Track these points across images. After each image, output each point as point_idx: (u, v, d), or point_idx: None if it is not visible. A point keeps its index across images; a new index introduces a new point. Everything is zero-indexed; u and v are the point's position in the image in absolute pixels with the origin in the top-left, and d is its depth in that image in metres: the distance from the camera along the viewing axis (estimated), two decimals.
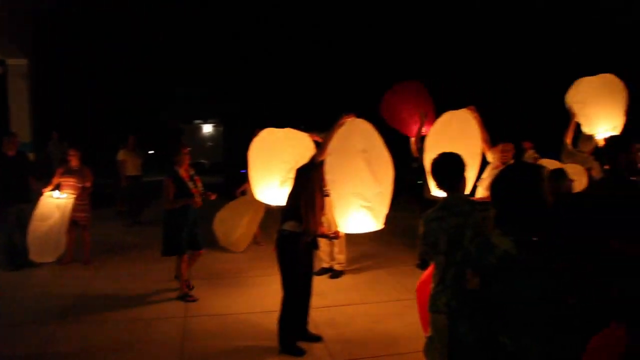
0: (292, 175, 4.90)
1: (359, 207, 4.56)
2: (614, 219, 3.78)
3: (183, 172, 6.26)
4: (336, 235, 5.09)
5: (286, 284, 4.86)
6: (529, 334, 1.96)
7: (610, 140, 4.12)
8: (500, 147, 6.16)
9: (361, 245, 8.51)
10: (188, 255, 6.46)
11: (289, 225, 4.78)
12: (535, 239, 2.20)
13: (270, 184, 5.43)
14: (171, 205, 6.18)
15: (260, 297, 6.40)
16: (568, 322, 2.02)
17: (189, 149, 6.41)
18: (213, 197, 6.53)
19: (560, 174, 4.66)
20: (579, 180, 4.94)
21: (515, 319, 1.98)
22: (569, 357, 2.08)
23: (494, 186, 2.27)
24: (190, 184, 6.28)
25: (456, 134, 5.37)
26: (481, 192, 5.80)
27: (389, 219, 4.93)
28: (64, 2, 15.89)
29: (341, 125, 4.71)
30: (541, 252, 2.10)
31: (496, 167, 6.10)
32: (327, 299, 6.42)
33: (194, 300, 6.33)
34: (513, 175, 2.28)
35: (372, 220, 4.62)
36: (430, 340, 3.55)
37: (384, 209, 4.69)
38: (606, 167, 5.11)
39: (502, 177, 2.29)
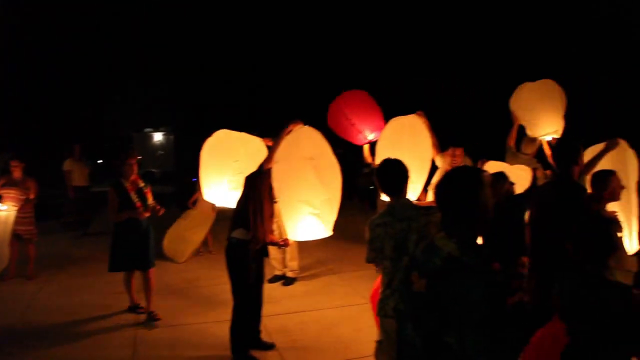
0: (242, 180, 4.89)
1: (307, 214, 4.58)
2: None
3: (128, 183, 5.94)
4: (285, 243, 5.08)
5: (236, 292, 4.84)
6: (473, 334, 2.01)
7: (560, 145, 4.25)
8: (450, 151, 6.29)
9: (314, 252, 8.55)
10: (139, 273, 6.16)
11: (237, 233, 4.77)
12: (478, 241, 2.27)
13: (220, 184, 5.38)
14: (115, 219, 5.93)
15: (213, 307, 6.36)
16: (510, 321, 2.08)
17: (136, 158, 6.23)
18: (161, 212, 6.18)
19: (500, 177, 4.80)
20: (522, 182, 5.09)
21: (460, 319, 2.03)
22: (512, 355, 2.14)
23: (437, 190, 2.32)
24: (134, 196, 5.93)
25: (406, 140, 5.45)
26: (431, 197, 5.90)
27: (342, 224, 4.97)
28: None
29: (288, 132, 4.73)
30: (483, 254, 2.16)
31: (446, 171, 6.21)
32: (280, 307, 6.43)
33: (144, 312, 6.17)
34: (454, 178, 2.33)
35: (321, 227, 4.64)
36: (379, 344, 3.60)
37: (332, 215, 4.72)
38: (548, 172, 5.27)
39: (444, 180, 2.33)
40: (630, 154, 4.87)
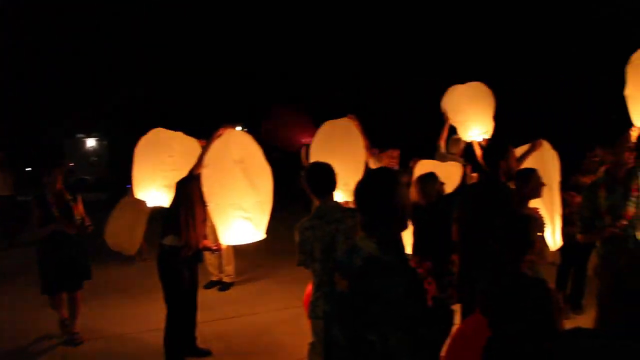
0: (176, 177, 4.83)
1: (238, 218, 4.55)
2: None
3: (51, 196, 5.44)
4: (218, 248, 5.04)
5: (170, 299, 4.77)
6: (395, 332, 2.05)
7: (490, 146, 4.39)
8: (387, 152, 6.41)
9: (251, 256, 8.49)
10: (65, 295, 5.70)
11: (169, 240, 4.70)
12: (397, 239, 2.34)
13: (154, 182, 5.29)
14: (38, 234, 5.45)
15: (147, 315, 6.21)
16: (434, 317, 2.14)
17: (65, 168, 5.93)
18: (90, 229, 5.68)
19: (429, 178, 4.93)
20: (454, 178, 5.22)
21: (382, 317, 2.07)
22: (434, 351, 2.20)
23: (355, 192, 2.37)
24: (55, 210, 5.42)
25: (339, 143, 5.51)
26: None
27: (280, 227, 4.97)
28: None
29: (218, 137, 4.69)
30: (402, 252, 2.23)
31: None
32: (216, 312, 6.38)
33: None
34: (370, 180, 2.39)
35: (253, 230, 4.63)
36: (312, 346, 3.63)
37: (264, 218, 4.72)
38: (474, 174, 5.42)
39: (361, 182, 2.39)
40: (553, 154, 5.09)
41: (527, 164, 4.65)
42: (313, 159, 5.50)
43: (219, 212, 4.63)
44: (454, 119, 6.59)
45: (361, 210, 2.34)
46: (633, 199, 4.15)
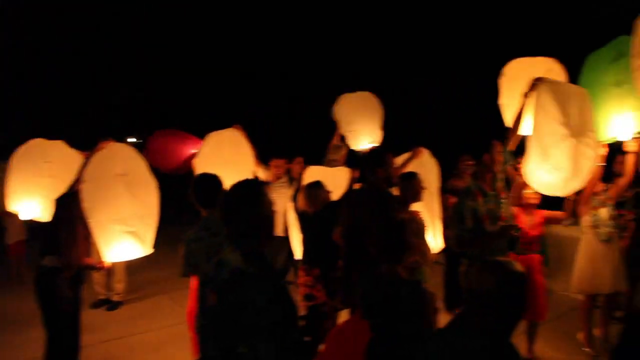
0: (54, 186, 4.62)
1: (122, 234, 4.43)
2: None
3: None
4: (101, 266, 4.85)
5: (50, 324, 4.52)
6: (263, 341, 2.10)
7: (370, 154, 4.53)
8: (273, 162, 6.45)
9: (143, 271, 8.21)
10: None
11: (48, 260, 4.47)
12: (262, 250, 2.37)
13: (27, 193, 5.01)
14: None
15: (28, 343, 5.82)
16: (306, 324, 2.19)
17: None
18: None
19: (316, 185, 5.02)
20: (342, 183, 5.32)
21: (250, 328, 2.11)
22: (304, 356, 2.25)
23: (219, 204, 2.45)
24: None
25: (227, 154, 5.54)
26: None
27: (173, 241, 4.84)
28: None
29: (99, 150, 4.54)
30: (267, 263, 2.27)
31: (271, 182, 6.37)
32: (104, 333, 6.15)
33: None
34: (233, 192, 2.43)
35: (138, 245, 4.52)
36: None
37: (150, 232, 4.63)
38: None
39: (226, 195, 2.45)
40: (432, 161, 5.39)
41: (408, 170, 4.85)
42: (200, 169, 5.46)
43: (102, 228, 4.49)
44: (343, 128, 6.78)
45: (226, 222, 2.38)
46: (503, 201, 4.46)
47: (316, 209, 4.98)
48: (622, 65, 4.32)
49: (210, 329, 2.30)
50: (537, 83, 4.27)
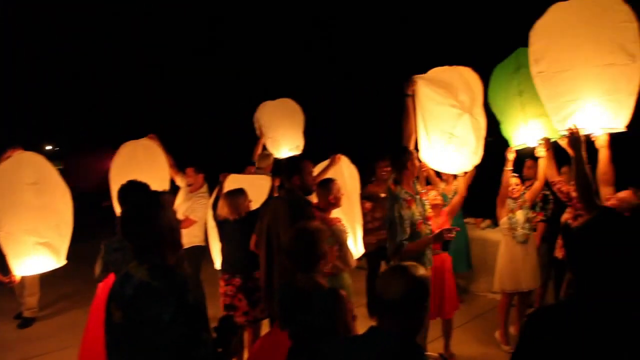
0: None
1: (34, 245, 4.25)
2: None
3: None
4: (11, 281, 4.62)
5: None
6: (167, 357, 2.07)
7: (286, 162, 4.53)
8: (188, 170, 6.36)
9: (59, 285, 7.89)
10: None
11: None
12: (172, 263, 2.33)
13: None
14: None
15: None
16: (207, 339, 2.16)
17: None
18: None
19: (237, 192, 5.00)
20: (264, 192, 5.31)
21: (155, 344, 2.08)
22: None
23: (121, 219, 2.36)
24: None
25: (142, 162, 5.48)
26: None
27: (92, 252, 4.67)
28: None
29: (6, 159, 4.34)
30: (173, 276, 2.21)
31: (191, 192, 6.29)
32: (16, 353, 5.86)
33: None
34: (134, 206, 2.37)
35: (51, 257, 4.35)
36: None
37: (64, 242, 4.48)
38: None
39: (126, 209, 2.39)
40: (351, 168, 5.46)
41: (327, 177, 4.89)
42: (114, 180, 5.36)
43: (12, 240, 4.30)
44: (266, 135, 6.78)
45: (128, 237, 2.32)
46: (426, 203, 4.60)
47: (236, 217, 4.95)
48: (523, 75, 4.60)
49: (116, 347, 2.25)
50: (414, 81, 4.63)
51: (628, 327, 1.74)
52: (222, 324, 2.27)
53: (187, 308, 2.11)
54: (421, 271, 2.20)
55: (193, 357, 2.08)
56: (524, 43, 4.24)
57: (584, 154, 3.73)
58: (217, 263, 5.41)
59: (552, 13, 3.99)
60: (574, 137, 3.76)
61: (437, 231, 4.78)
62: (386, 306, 2.14)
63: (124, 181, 4.82)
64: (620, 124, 3.85)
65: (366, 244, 5.61)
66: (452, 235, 4.34)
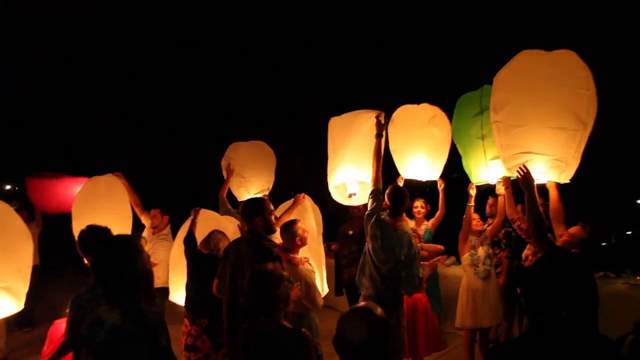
0: None
1: None
2: None
3: None
4: None
5: None
6: None
7: (247, 203, 4.61)
8: (152, 212, 6.40)
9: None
10: None
11: None
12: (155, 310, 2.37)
13: None
14: None
15: None
16: None
17: None
18: None
19: (220, 232, 5.10)
20: (229, 233, 5.37)
21: None
22: None
23: (93, 262, 2.42)
24: None
25: (104, 199, 5.57)
26: None
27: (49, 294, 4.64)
28: None
29: None
30: (148, 321, 2.25)
31: (153, 234, 6.31)
32: None
33: None
34: (107, 249, 2.42)
35: (11, 301, 4.30)
36: None
37: (24, 286, 4.43)
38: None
39: (98, 252, 2.43)
40: (314, 208, 5.61)
41: (292, 217, 5.07)
42: (76, 217, 5.39)
43: None
44: (240, 174, 6.82)
45: (100, 281, 2.35)
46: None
47: (210, 252, 4.99)
48: (485, 118, 4.90)
49: None
50: (382, 120, 5.13)
51: (581, 356, 1.87)
52: None
53: (161, 350, 2.17)
54: (380, 311, 2.20)
55: None
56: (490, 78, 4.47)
57: (535, 193, 3.94)
58: (175, 298, 5.52)
59: (518, 63, 4.26)
60: (525, 177, 3.97)
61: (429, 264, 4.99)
62: (349, 348, 2.13)
63: (85, 219, 4.87)
64: (565, 179, 4.20)
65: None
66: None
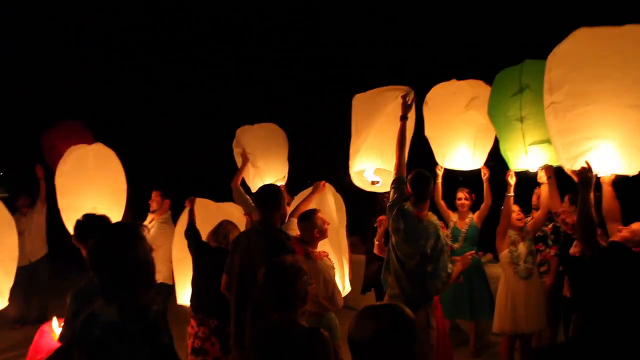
0: None
1: None
2: None
3: None
4: None
5: None
6: None
7: (262, 191, 4.31)
8: (153, 194, 6.24)
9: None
10: None
11: None
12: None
13: None
14: None
15: None
16: None
17: None
18: None
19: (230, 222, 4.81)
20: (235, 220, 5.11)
21: None
22: None
23: (89, 253, 2.26)
24: None
25: (93, 171, 5.27)
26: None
27: None
28: None
29: None
30: (147, 316, 2.15)
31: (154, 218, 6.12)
32: None
33: None
34: (105, 238, 2.27)
35: None
36: None
37: (8, 280, 4.24)
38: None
39: (96, 240, 2.27)
40: (336, 197, 5.22)
41: (311, 207, 4.69)
42: (61, 190, 5.21)
43: None
44: (254, 164, 6.48)
45: (98, 273, 2.22)
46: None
47: (219, 245, 4.69)
48: (526, 99, 4.45)
49: None
50: (409, 100, 4.81)
51: None
52: None
53: (162, 349, 2.09)
54: (404, 312, 2.03)
55: None
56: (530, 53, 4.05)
57: (591, 194, 3.46)
58: (181, 298, 5.24)
59: (576, 38, 3.70)
60: (586, 177, 3.45)
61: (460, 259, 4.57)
62: (353, 350, 1.99)
63: (71, 189, 4.59)
64: (634, 170, 3.58)
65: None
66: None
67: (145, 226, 2.82)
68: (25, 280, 6.88)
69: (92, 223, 3.50)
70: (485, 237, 5.95)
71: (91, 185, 5.11)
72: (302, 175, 5.89)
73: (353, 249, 6.51)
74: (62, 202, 5.19)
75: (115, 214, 5.09)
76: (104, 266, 2.19)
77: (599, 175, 3.61)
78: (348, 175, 5.37)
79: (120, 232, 2.31)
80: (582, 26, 3.67)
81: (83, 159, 5.28)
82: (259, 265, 3.76)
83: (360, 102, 5.22)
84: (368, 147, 5.12)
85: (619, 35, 3.55)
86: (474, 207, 6.23)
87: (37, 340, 4.20)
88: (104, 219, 3.55)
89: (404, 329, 1.98)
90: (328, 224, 4.39)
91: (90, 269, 2.28)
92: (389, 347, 1.94)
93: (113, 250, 2.18)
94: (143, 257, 2.21)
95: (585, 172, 3.45)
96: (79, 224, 3.58)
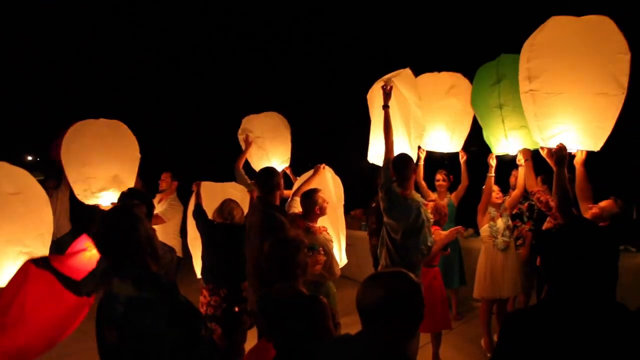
0: None
1: (18, 255, 4.28)
2: None
3: None
4: None
5: None
6: None
7: (259, 173, 4.71)
8: (163, 175, 6.47)
9: None
10: None
11: None
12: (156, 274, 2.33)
13: None
14: None
15: None
16: (205, 339, 2.22)
17: None
18: None
19: (227, 203, 5.13)
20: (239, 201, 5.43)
21: (156, 356, 2.12)
22: None
23: (95, 236, 2.38)
24: None
25: (110, 140, 5.39)
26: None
27: None
28: None
29: None
30: (161, 285, 2.25)
31: (162, 198, 6.36)
32: None
33: None
34: (107, 220, 2.38)
35: None
36: None
37: (45, 251, 4.51)
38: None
39: (99, 226, 2.36)
40: (335, 178, 5.59)
41: (312, 187, 5.03)
42: (67, 167, 5.32)
43: None
44: (260, 145, 6.72)
45: (106, 255, 2.33)
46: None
47: (225, 222, 5.06)
48: (503, 87, 4.87)
49: None
50: (388, 89, 4.98)
51: (598, 323, 1.87)
52: (226, 317, 2.31)
53: (181, 308, 2.16)
54: (409, 276, 2.13)
55: (196, 356, 2.13)
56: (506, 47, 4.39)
57: (565, 169, 3.93)
58: (197, 271, 5.53)
59: (551, 29, 4.09)
60: (560, 155, 3.94)
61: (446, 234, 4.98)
62: (362, 314, 2.10)
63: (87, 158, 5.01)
64: (597, 146, 4.09)
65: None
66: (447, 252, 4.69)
67: (139, 204, 3.04)
68: (53, 252, 7.16)
69: (135, 195, 3.89)
70: (467, 214, 6.28)
71: (109, 155, 5.26)
72: (304, 159, 6.18)
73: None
74: (85, 171, 5.26)
75: (131, 178, 5.47)
76: (110, 252, 2.29)
77: (568, 151, 4.04)
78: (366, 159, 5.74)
79: (122, 215, 2.37)
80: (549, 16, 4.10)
81: (98, 132, 5.37)
82: (255, 235, 4.32)
83: (370, 94, 5.53)
84: (374, 135, 5.52)
85: (586, 26, 4.01)
86: (452, 188, 6.59)
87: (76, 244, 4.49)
88: (140, 191, 3.97)
89: (411, 292, 2.08)
90: (327, 202, 4.77)
91: (98, 250, 2.36)
92: (398, 309, 2.03)
93: (116, 237, 2.27)
94: (145, 235, 2.30)
95: (561, 151, 3.95)
96: (123, 196, 3.97)
